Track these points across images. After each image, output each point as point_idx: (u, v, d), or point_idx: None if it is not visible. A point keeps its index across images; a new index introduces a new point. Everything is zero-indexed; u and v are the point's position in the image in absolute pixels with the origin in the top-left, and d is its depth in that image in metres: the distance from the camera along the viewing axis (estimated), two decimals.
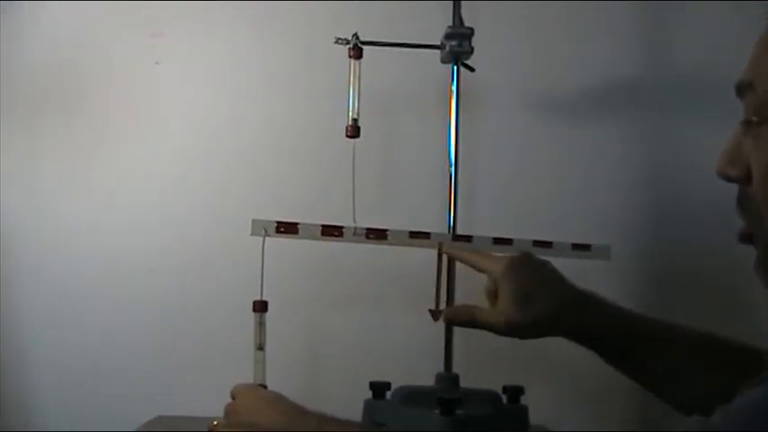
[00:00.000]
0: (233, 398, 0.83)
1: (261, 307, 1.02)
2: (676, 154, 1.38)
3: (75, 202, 1.36)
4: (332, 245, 1.07)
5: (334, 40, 1.10)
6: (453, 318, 0.99)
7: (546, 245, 1.09)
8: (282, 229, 1.04)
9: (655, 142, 1.38)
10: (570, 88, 1.38)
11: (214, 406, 0.85)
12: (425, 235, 1.08)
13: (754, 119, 0.61)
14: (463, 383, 1.12)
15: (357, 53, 1.09)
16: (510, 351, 1.15)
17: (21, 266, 1.36)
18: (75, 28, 1.37)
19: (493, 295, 0.93)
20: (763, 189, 0.60)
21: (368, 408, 1.10)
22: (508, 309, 0.89)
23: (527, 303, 0.88)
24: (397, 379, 1.12)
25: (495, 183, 1.37)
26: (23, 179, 1.36)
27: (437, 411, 1.00)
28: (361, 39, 1.09)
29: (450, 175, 1.15)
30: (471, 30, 1.12)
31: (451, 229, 1.14)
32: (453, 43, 1.12)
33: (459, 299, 1.14)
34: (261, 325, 1.01)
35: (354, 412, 1.08)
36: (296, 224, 1.04)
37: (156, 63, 1.37)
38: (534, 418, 1.11)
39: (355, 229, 1.06)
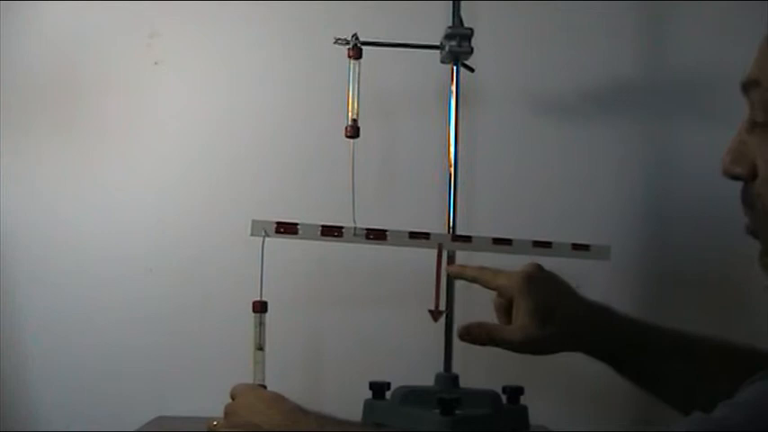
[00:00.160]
0: (233, 398, 0.83)
1: (260, 307, 1.02)
2: (676, 154, 1.38)
3: (75, 203, 1.36)
4: (332, 245, 1.07)
5: (334, 41, 1.10)
6: (468, 338, 0.91)
7: (546, 245, 1.09)
8: (282, 230, 1.04)
9: (654, 142, 1.38)
10: (570, 88, 1.38)
11: (214, 406, 0.85)
12: (425, 235, 1.08)
13: (760, 117, 0.61)
14: (463, 383, 1.12)
15: (356, 53, 1.09)
16: (510, 351, 1.14)
17: (21, 266, 1.36)
18: (74, 28, 1.37)
19: (504, 311, 0.92)
20: None
21: (368, 408, 1.10)
22: (528, 325, 0.86)
23: (547, 319, 0.86)
24: (397, 379, 1.12)
25: (495, 183, 1.37)
26: (23, 179, 1.36)
27: (437, 411, 1.00)
28: (361, 39, 1.09)
29: (450, 176, 1.15)
30: (471, 30, 1.12)
31: (451, 230, 1.14)
32: (453, 43, 1.12)
33: (460, 299, 1.14)
34: (260, 325, 1.02)
35: (354, 412, 1.09)
36: (295, 224, 1.04)
37: (156, 63, 1.37)
38: (534, 418, 1.11)
39: (355, 229, 1.06)
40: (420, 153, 1.35)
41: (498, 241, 1.09)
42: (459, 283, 1.11)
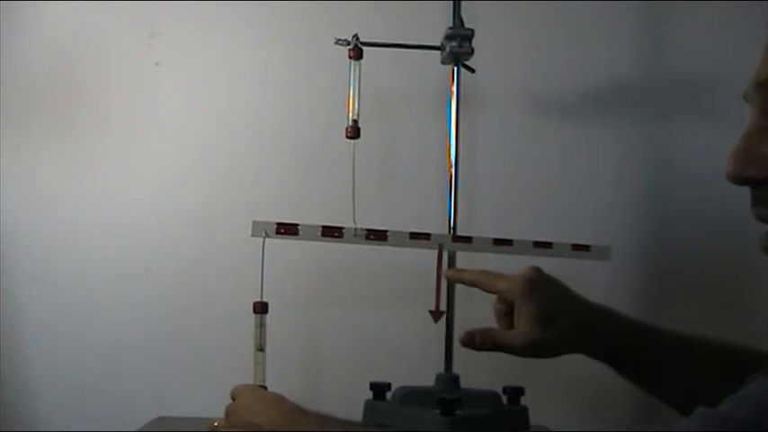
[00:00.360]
0: (233, 398, 0.83)
1: (261, 308, 1.02)
2: (676, 154, 1.38)
3: (75, 203, 1.36)
4: (332, 245, 1.07)
5: (335, 41, 1.10)
6: (471, 344, 0.90)
7: (546, 245, 1.09)
8: (282, 231, 1.04)
9: (654, 142, 1.38)
10: (570, 89, 1.38)
11: (214, 407, 0.85)
12: (425, 236, 1.08)
13: None
14: (463, 383, 1.12)
15: (357, 54, 1.09)
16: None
17: (21, 266, 1.36)
18: (74, 28, 1.37)
19: (505, 316, 0.92)
20: None
21: (368, 408, 1.10)
22: (531, 329, 0.87)
23: (549, 323, 0.86)
24: (397, 379, 1.12)
25: (496, 183, 1.37)
26: (23, 179, 1.36)
27: (437, 412, 1.00)
28: (361, 40, 1.09)
29: (451, 176, 1.15)
30: (471, 31, 1.12)
31: (451, 230, 1.14)
32: (453, 44, 1.12)
33: (460, 300, 1.14)
34: (261, 326, 1.02)
35: (355, 412, 1.09)
36: (296, 225, 1.04)
37: (156, 64, 1.37)
38: (534, 418, 1.11)
39: (355, 230, 1.06)
40: (420, 154, 1.35)
41: (499, 242, 1.09)
42: (459, 285, 1.11)
